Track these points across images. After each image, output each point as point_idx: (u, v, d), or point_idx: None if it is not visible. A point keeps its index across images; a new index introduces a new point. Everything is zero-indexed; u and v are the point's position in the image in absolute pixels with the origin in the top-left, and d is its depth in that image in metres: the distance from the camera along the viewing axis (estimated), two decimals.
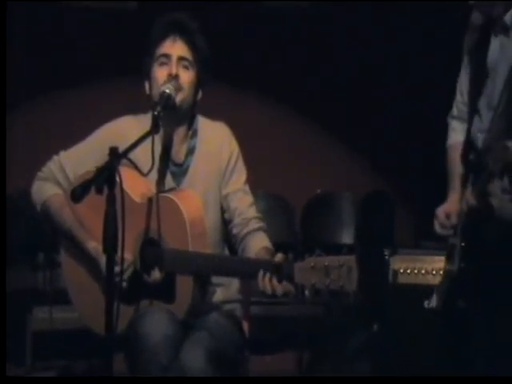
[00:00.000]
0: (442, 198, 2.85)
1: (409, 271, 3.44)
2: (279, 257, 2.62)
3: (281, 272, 2.58)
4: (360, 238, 5.19)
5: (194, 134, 2.91)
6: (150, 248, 2.75)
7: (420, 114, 5.39)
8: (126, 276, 2.71)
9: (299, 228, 5.45)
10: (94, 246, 2.73)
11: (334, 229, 5.39)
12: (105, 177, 2.34)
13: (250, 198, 2.92)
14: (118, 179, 2.37)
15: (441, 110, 2.99)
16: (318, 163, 5.67)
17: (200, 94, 2.90)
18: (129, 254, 2.71)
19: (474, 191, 2.56)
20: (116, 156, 2.42)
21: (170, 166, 2.87)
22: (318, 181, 5.59)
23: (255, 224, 2.88)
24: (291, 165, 5.63)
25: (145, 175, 2.66)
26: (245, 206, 2.89)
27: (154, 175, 2.81)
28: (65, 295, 2.93)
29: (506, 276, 2.62)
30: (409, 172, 5.56)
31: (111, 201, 2.34)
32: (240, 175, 2.92)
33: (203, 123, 2.93)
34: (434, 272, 3.33)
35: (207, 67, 2.89)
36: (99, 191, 2.32)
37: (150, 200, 2.75)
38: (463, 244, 2.66)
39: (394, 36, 5.59)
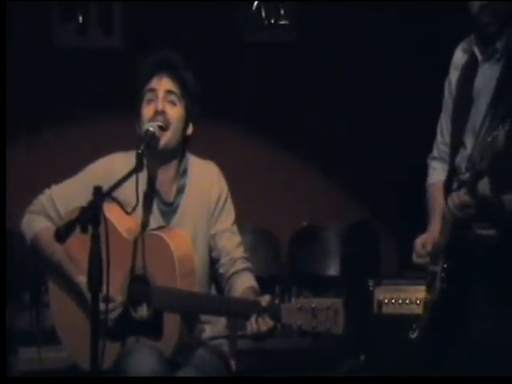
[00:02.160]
0: (425, 227, 2.90)
1: (393, 301, 3.46)
2: (266, 299, 2.64)
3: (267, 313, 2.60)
4: (345, 269, 5.21)
5: (184, 172, 2.92)
6: (138, 285, 2.76)
7: (406, 146, 5.43)
8: (113, 316, 2.73)
9: (286, 261, 5.47)
10: (83, 280, 2.70)
11: (320, 260, 5.41)
12: (89, 216, 2.37)
13: (237, 238, 2.94)
14: (103, 218, 2.39)
15: (426, 147, 3.04)
16: (303, 196, 5.70)
17: (191, 129, 2.91)
18: (117, 291, 2.73)
19: (464, 189, 2.60)
20: (100, 195, 2.45)
21: (159, 204, 2.89)
22: (303, 213, 5.61)
23: (242, 264, 2.90)
24: (276, 198, 5.65)
25: (129, 213, 2.68)
26: (232, 246, 2.91)
27: (142, 212, 2.84)
28: (52, 335, 2.93)
29: (488, 296, 2.67)
30: (392, 202, 5.59)
31: (96, 239, 2.36)
32: (228, 215, 2.94)
33: (193, 162, 2.95)
34: (417, 302, 3.35)
35: (196, 101, 2.91)
36: (84, 230, 2.35)
37: (138, 237, 2.77)
38: (445, 265, 2.70)
39: (381, 69, 5.66)
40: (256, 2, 5.75)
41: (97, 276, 2.35)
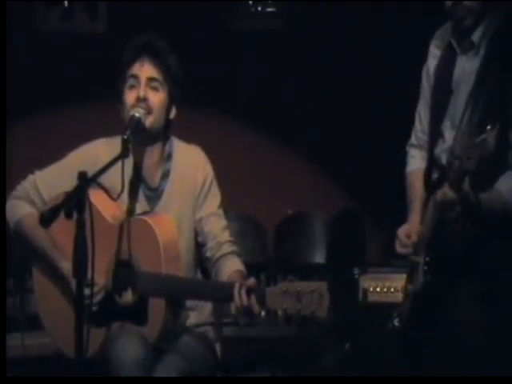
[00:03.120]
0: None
1: (378, 289, 3.47)
2: (251, 281, 2.65)
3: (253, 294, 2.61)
4: (331, 258, 5.22)
5: (169, 157, 2.92)
6: (123, 270, 2.76)
7: (393, 136, 5.42)
8: (97, 299, 2.72)
9: (271, 249, 5.48)
10: (67, 266, 2.70)
11: (306, 249, 5.42)
12: (73, 201, 2.35)
13: (223, 222, 2.94)
14: (88, 203, 2.38)
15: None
16: (289, 184, 5.70)
17: (174, 113, 2.90)
18: (101, 276, 2.72)
19: (448, 185, 2.59)
20: (85, 180, 2.44)
21: (144, 190, 2.88)
22: (289, 201, 5.61)
23: (228, 248, 2.90)
24: (263, 186, 5.65)
25: (114, 199, 2.67)
26: (218, 230, 2.91)
27: (127, 198, 2.83)
28: (35, 321, 2.92)
29: (469, 289, 2.68)
30: (379, 190, 5.60)
31: (81, 225, 2.35)
32: (214, 199, 2.94)
33: (178, 146, 2.94)
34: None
35: (179, 85, 2.90)
36: (68, 216, 2.34)
37: (123, 222, 2.77)
38: (428, 258, 2.71)
39: (371, 62, 5.65)
40: None
41: (82, 262, 2.35)
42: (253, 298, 2.61)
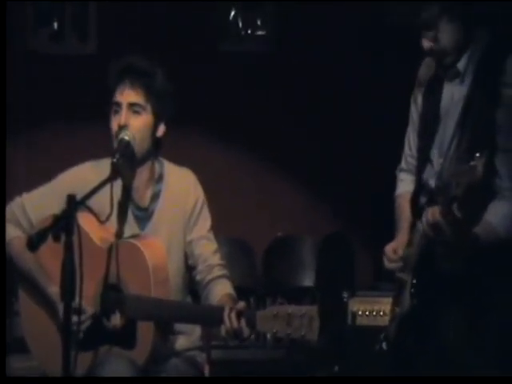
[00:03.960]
0: None
1: (367, 313, 3.47)
2: (241, 305, 2.64)
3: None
4: (320, 281, 5.21)
5: (160, 178, 2.92)
6: (112, 294, 2.75)
7: (381, 160, 5.44)
8: (84, 326, 2.70)
9: (261, 271, 5.46)
10: (55, 290, 2.68)
11: (296, 272, 5.41)
12: (62, 225, 2.35)
13: (214, 245, 2.94)
14: (76, 226, 2.38)
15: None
16: (279, 207, 5.70)
17: (162, 130, 2.89)
18: (89, 301, 2.71)
19: (438, 209, 2.59)
20: (73, 203, 2.43)
21: (134, 210, 2.88)
22: (279, 224, 5.61)
23: (219, 271, 2.89)
24: (253, 209, 5.65)
25: (103, 222, 2.66)
26: (209, 253, 2.91)
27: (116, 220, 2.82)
28: (21, 344, 2.90)
29: (458, 315, 2.68)
30: (368, 214, 5.61)
31: (69, 248, 2.34)
32: (205, 222, 2.94)
33: (169, 168, 2.95)
34: None
35: (166, 102, 2.88)
36: (56, 239, 2.33)
37: (112, 245, 2.76)
38: (414, 281, 2.71)
39: (353, 80, 5.68)
40: (233, 13, 5.75)
41: (69, 286, 2.33)
42: (243, 322, 2.61)
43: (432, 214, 2.59)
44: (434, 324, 2.71)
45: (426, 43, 2.72)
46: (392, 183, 3.04)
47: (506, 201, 2.64)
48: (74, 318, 2.48)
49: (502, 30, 2.82)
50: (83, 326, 2.70)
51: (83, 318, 2.66)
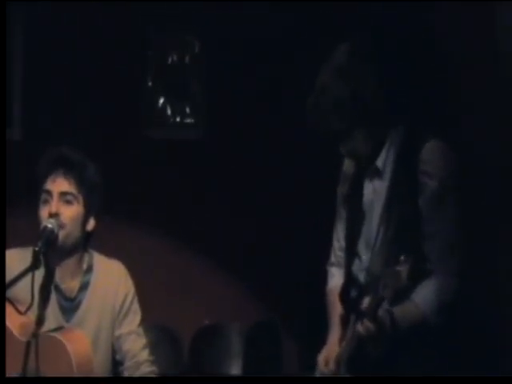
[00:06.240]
0: (325, 326, 2.91)
1: None
2: None
3: None
4: (248, 369, 5.17)
5: (89, 269, 2.89)
6: None
7: (315, 251, 5.48)
8: None
9: (187, 359, 5.38)
10: None
11: (223, 360, 5.35)
12: None
13: (142, 341, 2.91)
14: None
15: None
16: (206, 294, 5.65)
17: (92, 224, 2.88)
18: None
19: (366, 318, 2.61)
20: None
21: (60, 301, 2.83)
22: (206, 311, 5.56)
23: (147, 368, 2.87)
24: (178, 296, 5.59)
25: (22, 313, 2.60)
26: (137, 349, 2.88)
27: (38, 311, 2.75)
28: None
29: None
30: (294, 300, 5.60)
31: None
32: (134, 317, 2.92)
33: (99, 259, 2.92)
34: None
35: (97, 197, 2.88)
36: None
37: (31, 339, 2.67)
38: (348, 376, 2.71)
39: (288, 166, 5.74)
40: (162, 101, 5.79)
41: None
42: None
43: (363, 326, 2.61)
44: None
45: (343, 149, 2.77)
46: (316, 273, 3.06)
47: (435, 282, 2.68)
48: None
49: (416, 120, 2.90)
50: None
51: None
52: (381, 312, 2.57)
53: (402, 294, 2.57)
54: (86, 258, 2.88)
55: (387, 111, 2.74)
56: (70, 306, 2.84)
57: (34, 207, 2.89)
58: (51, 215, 2.78)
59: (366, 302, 2.62)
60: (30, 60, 5.51)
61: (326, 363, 2.78)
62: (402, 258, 2.48)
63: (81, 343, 2.73)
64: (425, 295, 2.66)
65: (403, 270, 2.46)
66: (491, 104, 3.62)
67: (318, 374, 2.82)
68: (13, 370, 2.61)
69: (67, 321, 2.82)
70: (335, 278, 2.95)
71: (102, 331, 2.83)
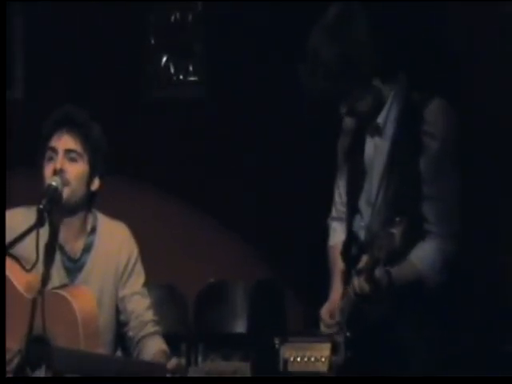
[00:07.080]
0: (329, 284, 2.92)
1: (299, 359, 3.45)
2: (173, 362, 2.61)
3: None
4: (252, 328, 5.19)
5: (93, 230, 2.90)
6: (37, 345, 2.67)
7: (316, 208, 5.47)
8: (10, 368, 2.62)
9: (192, 318, 5.42)
10: None
11: (227, 318, 5.37)
12: None
13: (147, 301, 2.93)
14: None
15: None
16: (210, 252, 5.67)
17: (97, 184, 2.88)
18: (14, 354, 2.65)
19: (362, 277, 2.62)
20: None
21: (64, 261, 2.84)
22: (210, 270, 5.58)
23: (151, 327, 2.88)
24: (183, 254, 5.61)
25: (28, 270, 2.61)
26: (142, 309, 2.89)
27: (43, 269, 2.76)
28: None
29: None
30: (297, 260, 5.62)
31: None
32: (138, 277, 2.93)
33: (103, 221, 2.93)
34: (323, 359, 3.35)
35: (102, 157, 2.88)
36: None
37: (37, 296, 2.69)
38: (348, 334, 2.72)
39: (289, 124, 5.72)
40: (164, 59, 5.76)
41: None
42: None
43: (358, 283, 2.61)
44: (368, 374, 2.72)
45: (343, 109, 2.75)
46: (323, 229, 3.06)
47: (433, 243, 2.68)
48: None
49: (419, 79, 2.87)
50: (10, 367, 2.62)
51: (8, 368, 2.58)
52: (378, 272, 2.57)
53: (397, 256, 2.56)
54: (90, 218, 2.89)
55: (387, 70, 2.72)
56: (73, 266, 2.85)
57: (36, 167, 2.88)
58: (56, 172, 2.78)
59: (363, 261, 2.62)
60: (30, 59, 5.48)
61: (331, 315, 2.79)
62: (397, 219, 2.47)
63: (86, 300, 2.75)
64: (424, 256, 2.66)
65: (397, 232, 2.46)
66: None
67: (322, 328, 2.82)
68: (19, 328, 2.63)
69: (71, 281, 2.84)
70: (337, 234, 2.95)
71: (106, 292, 2.85)
